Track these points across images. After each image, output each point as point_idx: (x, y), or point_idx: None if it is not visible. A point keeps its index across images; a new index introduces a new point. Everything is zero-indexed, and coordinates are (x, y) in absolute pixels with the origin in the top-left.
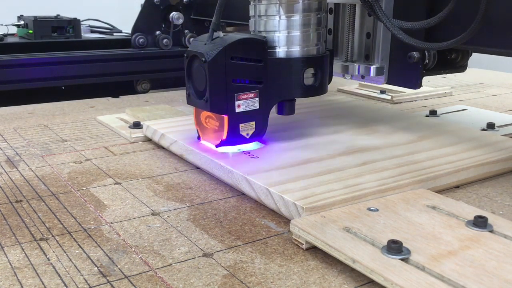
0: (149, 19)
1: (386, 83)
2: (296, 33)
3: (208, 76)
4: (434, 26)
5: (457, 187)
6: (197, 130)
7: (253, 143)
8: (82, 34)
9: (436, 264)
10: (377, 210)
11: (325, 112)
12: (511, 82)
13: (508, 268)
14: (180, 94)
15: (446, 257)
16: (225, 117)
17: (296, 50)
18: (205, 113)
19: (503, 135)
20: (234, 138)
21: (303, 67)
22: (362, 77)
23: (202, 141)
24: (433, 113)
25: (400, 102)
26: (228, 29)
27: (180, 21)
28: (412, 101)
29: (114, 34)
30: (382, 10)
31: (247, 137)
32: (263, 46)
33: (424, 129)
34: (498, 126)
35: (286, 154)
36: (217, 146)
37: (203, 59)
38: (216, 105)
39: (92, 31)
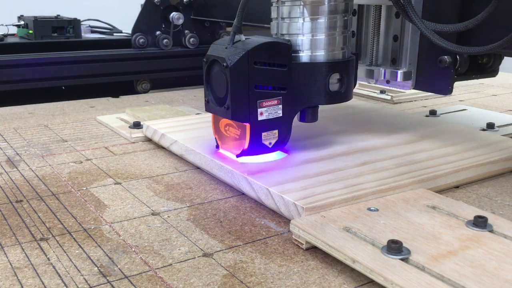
0: (149, 19)
1: (414, 88)
2: (321, 36)
3: (230, 82)
4: (467, 29)
5: (457, 187)
6: (215, 138)
7: (276, 152)
8: (82, 34)
9: (436, 264)
10: (377, 210)
11: (325, 112)
12: (511, 82)
13: (508, 268)
14: (180, 94)
15: (446, 257)
16: (247, 125)
17: (321, 54)
18: (224, 121)
19: (503, 135)
20: (256, 147)
21: (328, 72)
22: (388, 82)
23: (221, 150)
24: (433, 113)
25: (400, 102)
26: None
27: (180, 21)
28: (412, 101)
29: (114, 34)
30: (415, 12)
31: (270, 146)
32: (287, 50)
33: (424, 129)
34: (498, 126)
35: (286, 154)
36: (237, 156)
37: (224, 64)
38: (237, 112)
39: (92, 31)
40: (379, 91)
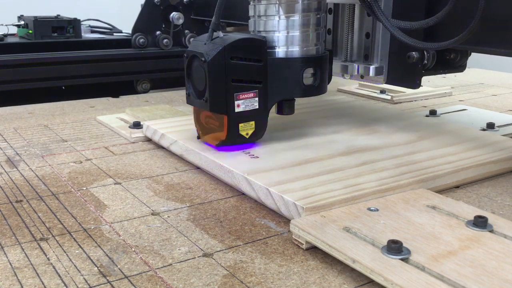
0: (149, 19)
1: (386, 83)
2: (296, 33)
3: (208, 76)
4: (432, 26)
5: (457, 187)
6: (196, 129)
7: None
8: (82, 34)
9: (436, 264)
10: (377, 210)
11: (325, 112)
12: (511, 82)
13: (508, 268)
14: (180, 94)
15: (446, 257)
16: (225, 117)
17: (296, 50)
18: (205, 113)
19: (503, 135)
20: (233, 137)
21: (302, 67)
22: (361, 77)
23: (202, 141)
24: (433, 113)
25: (400, 102)
26: (228, 29)
27: (180, 21)
28: (412, 101)
29: (114, 34)
30: (381, 10)
31: (247, 137)
32: (262, 46)
33: (424, 129)
34: (498, 126)
35: (286, 154)
36: (216, 145)
37: (202, 59)
38: (215, 104)
39: (92, 31)
40: (379, 91)
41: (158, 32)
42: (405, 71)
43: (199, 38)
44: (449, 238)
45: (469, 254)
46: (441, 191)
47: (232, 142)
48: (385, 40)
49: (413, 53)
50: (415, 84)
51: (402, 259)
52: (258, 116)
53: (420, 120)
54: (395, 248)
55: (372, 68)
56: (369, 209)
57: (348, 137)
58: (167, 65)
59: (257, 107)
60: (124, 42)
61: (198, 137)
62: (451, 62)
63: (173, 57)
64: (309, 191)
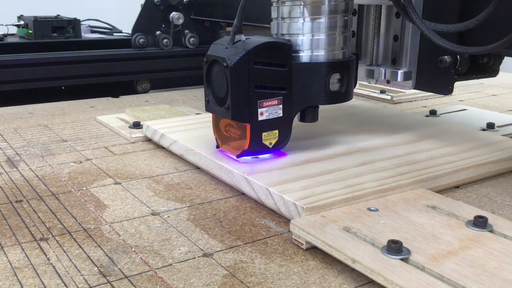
0: (149, 19)
1: (414, 88)
2: (321, 36)
3: (230, 82)
4: (468, 29)
5: (457, 187)
6: (215, 138)
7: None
8: (82, 34)
9: (436, 264)
10: (377, 210)
11: (325, 112)
12: (511, 82)
13: (508, 268)
14: (180, 94)
15: (446, 257)
16: (248, 126)
17: (321, 54)
18: (224, 121)
19: (503, 135)
20: (256, 147)
21: (328, 72)
22: (388, 82)
23: (222, 150)
24: (433, 113)
25: (400, 102)
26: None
27: (180, 21)
28: (412, 101)
29: (114, 34)
30: (415, 12)
31: (270, 146)
32: (287, 50)
33: (424, 129)
34: (498, 126)
35: (286, 154)
36: (238, 156)
37: (224, 64)
38: (238, 112)
39: (92, 31)
40: (379, 91)
41: (158, 32)
42: (436, 76)
43: (219, 41)
44: (449, 238)
45: (469, 254)
46: (441, 191)
47: (255, 152)
48: (414, 43)
49: (446, 57)
50: (447, 90)
51: (402, 259)
52: (282, 124)
53: (420, 120)
54: (395, 248)
55: (400, 73)
56: (369, 209)
57: (348, 137)
58: (167, 65)
59: (281, 115)
60: (124, 42)
61: (217, 146)
62: (484, 67)
63: (173, 57)
64: (309, 191)
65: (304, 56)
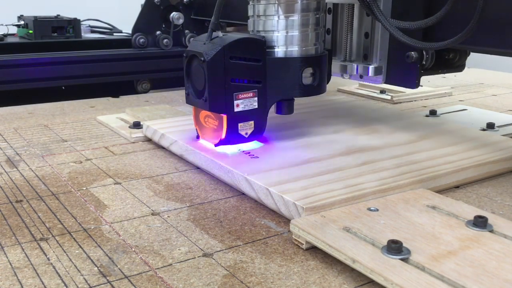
0: (149, 19)
1: (385, 83)
2: (295, 33)
3: (207, 75)
4: (432, 26)
5: (457, 187)
6: (196, 129)
7: (252, 142)
8: (82, 34)
9: (436, 264)
10: (377, 210)
11: (325, 112)
12: (511, 82)
13: (508, 268)
14: (180, 94)
15: (446, 257)
16: (224, 117)
17: (295, 50)
18: (204, 113)
19: (503, 135)
20: (233, 137)
21: (301, 67)
22: (361, 76)
23: (201, 140)
24: (433, 113)
25: (400, 102)
26: (228, 29)
27: (181, 21)
28: (412, 101)
29: (114, 34)
30: (380, 10)
31: (246, 136)
32: (262, 45)
33: (424, 129)
34: (498, 126)
35: (286, 154)
36: (216, 145)
37: (202, 58)
38: (215, 104)
39: (92, 31)
40: (379, 91)
41: (158, 32)
42: (404, 71)
43: (199, 38)
44: (449, 238)
45: (469, 254)
46: (441, 191)
47: (231, 141)
48: (384, 40)
49: (412, 53)
50: (414, 84)
51: (402, 259)
52: (257, 116)
53: (420, 120)
54: (395, 248)
55: (371, 68)
56: (369, 209)
57: (348, 137)
58: (167, 65)
59: (256, 106)
60: (124, 42)
61: (198, 137)
62: (450, 62)
63: (173, 57)
64: (309, 191)
65: (279, 51)
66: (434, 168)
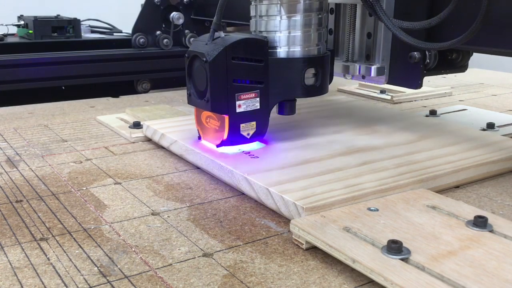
0: (149, 19)
1: (387, 83)
2: (297, 33)
3: (209, 76)
4: (435, 26)
5: (457, 187)
6: (197, 130)
7: (254, 143)
8: (82, 34)
9: (436, 264)
10: (377, 210)
11: (325, 112)
12: (511, 82)
13: (508, 268)
14: (180, 94)
15: (446, 257)
16: (226, 117)
17: (297, 50)
18: (206, 113)
19: (503, 135)
20: (234, 138)
21: (304, 67)
22: (363, 77)
23: (203, 141)
24: (433, 113)
25: (400, 102)
26: (228, 29)
27: (181, 21)
28: (412, 101)
29: (114, 34)
30: (383, 10)
31: (248, 137)
32: (264, 46)
33: (424, 129)
34: (498, 126)
35: (286, 154)
36: (217, 146)
37: (204, 59)
38: (217, 105)
39: (92, 31)
40: (379, 91)
41: (158, 32)
42: (406, 71)
43: (200, 38)
44: (449, 238)
45: (469, 254)
46: (441, 191)
47: (233, 142)
48: (386, 40)
49: (415, 53)
50: (417, 84)
51: (402, 259)
52: (259, 116)
53: (420, 120)
54: (395, 248)
55: (373, 68)
56: (369, 209)
57: (348, 137)
58: (167, 65)
59: (258, 107)
60: (124, 42)
61: (199, 137)
62: (452, 62)
63: (173, 57)
64: (309, 191)
65: (281, 52)
66: (434, 168)
